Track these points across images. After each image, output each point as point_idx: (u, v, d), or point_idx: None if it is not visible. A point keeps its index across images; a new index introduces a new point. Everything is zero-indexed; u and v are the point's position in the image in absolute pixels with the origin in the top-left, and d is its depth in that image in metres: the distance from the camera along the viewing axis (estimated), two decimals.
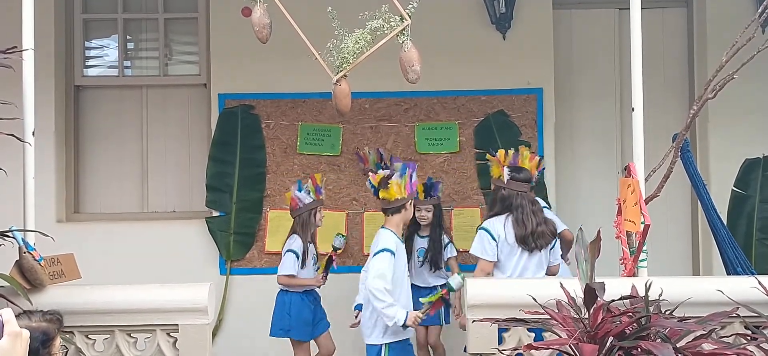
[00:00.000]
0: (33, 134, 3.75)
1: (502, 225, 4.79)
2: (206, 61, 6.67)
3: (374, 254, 4.73)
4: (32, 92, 3.79)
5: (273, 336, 5.65)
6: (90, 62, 6.90)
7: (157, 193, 6.82)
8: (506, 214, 4.83)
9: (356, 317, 5.17)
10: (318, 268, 5.77)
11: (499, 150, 5.11)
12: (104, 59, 6.92)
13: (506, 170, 4.91)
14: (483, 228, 4.84)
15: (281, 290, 5.67)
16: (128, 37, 6.94)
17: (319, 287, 5.75)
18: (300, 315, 5.60)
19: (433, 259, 5.83)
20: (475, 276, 4.77)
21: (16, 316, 1.74)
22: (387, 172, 4.96)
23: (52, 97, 6.43)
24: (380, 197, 4.88)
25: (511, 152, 5.04)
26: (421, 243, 5.89)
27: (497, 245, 4.77)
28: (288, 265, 5.56)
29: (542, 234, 4.77)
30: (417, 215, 5.65)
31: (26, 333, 1.73)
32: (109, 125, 6.82)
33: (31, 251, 3.57)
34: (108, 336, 3.74)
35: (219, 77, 6.56)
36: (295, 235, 5.63)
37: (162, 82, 6.83)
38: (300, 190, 5.64)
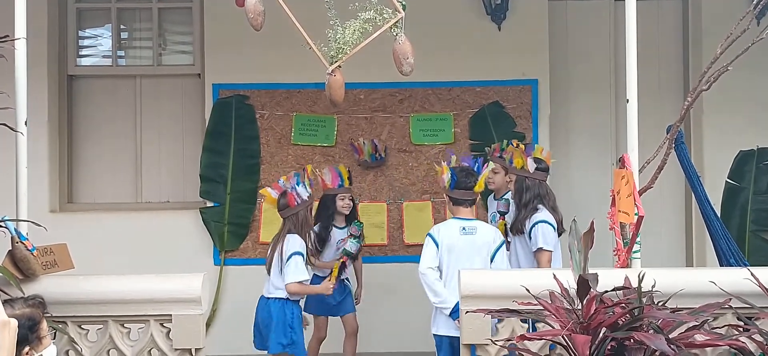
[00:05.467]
0: (26, 123, 3.73)
1: (551, 216, 4.91)
2: (200, 51, 6.65)
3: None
4: (25, 82, 3.77)
5: (273, 353, 5.00)
6: (83, 52, 6.87)
7: (151, 183, 6.80)
8: (539, 205, 4.92)
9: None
10: (329, 274, 5.28)
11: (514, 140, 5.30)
12: (98, 49, 6.90)
13: (531, 161, 5.01)
14: (545, 221, 4.87)
15: (281, 299, 4.94)
16: (122, 26, 6.90)
17: (328, 294, 5.23)
18: (301, 328, 5.05)
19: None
20: (544, 266, 4.84)
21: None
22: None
23: (45, 86, 6.40)
24: (475, 189, 4.75)
25: (522, 145, 5.23)
26: (341, 235, 5.49)
27: (557, 234, 4.94)
28: (299, 270, 4.85)
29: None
30: (340, 204, 5.42)
31: (14, 322, 1.73)
32: (102, 115, 6.79)
33: (24, 241, 3.55)
34: (101, 326, 3.73)
35: (213, 67, 6.53)
36: (293, 235, 4.96)
37: (156, 73, 6.80)
38: (298, 184, 5.08)
